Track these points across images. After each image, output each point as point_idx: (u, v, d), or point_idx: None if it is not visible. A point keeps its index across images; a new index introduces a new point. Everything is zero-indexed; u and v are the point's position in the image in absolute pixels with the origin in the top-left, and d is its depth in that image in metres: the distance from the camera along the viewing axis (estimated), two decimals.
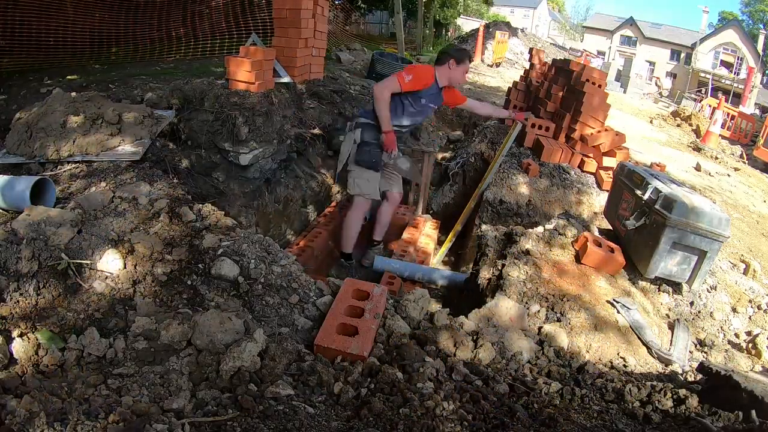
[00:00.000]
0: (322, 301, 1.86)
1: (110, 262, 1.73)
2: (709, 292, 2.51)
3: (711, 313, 2.40)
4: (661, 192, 2.27)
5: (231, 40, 5.98)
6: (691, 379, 1.81)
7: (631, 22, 36.60)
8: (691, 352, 2.12)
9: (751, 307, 2.51)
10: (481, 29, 14.85)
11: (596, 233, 2.75)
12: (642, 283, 2.45)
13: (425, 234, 3.90)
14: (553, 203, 3.90)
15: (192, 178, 3.06)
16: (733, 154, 7.92)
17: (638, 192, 2.46)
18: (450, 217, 4.48)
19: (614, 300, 2.21)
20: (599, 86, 4.21)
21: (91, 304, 1.59)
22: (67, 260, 1.65)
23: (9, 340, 1.42)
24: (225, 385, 1.27)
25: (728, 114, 10.38)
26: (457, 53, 3.18)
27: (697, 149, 7.37)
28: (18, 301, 1.53)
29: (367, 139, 3.17)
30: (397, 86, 3.01)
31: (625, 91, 15.10)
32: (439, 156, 5.34)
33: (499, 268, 2.43)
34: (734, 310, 2.46)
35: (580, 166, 4.23)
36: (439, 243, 4.19)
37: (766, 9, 36.77)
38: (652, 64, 33.10)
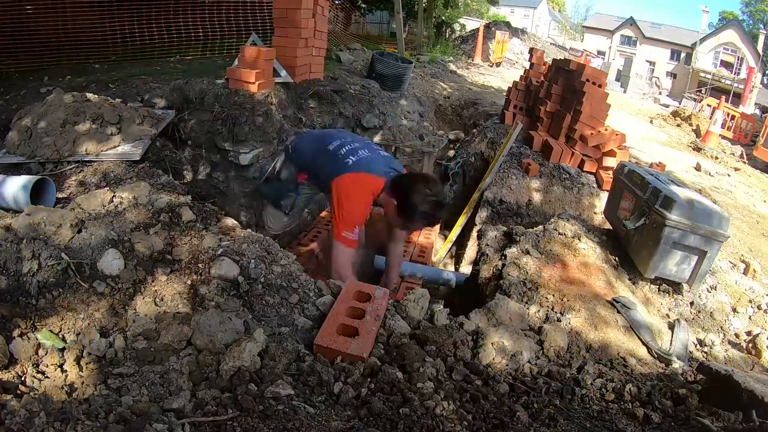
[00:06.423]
0: (321, 301, 1.86)
1: (110, 262, 1.72)
2: (709, 292, 2.51)
3: (711, 313, 2.40)
4: (661, 192, 2.27)
5: (231, 40, 5.98)
6: (691, 379, 1.81)
7: (631, 22, 36.56)
8: (691, 352, 2.11)
9: (751, 307, 2.51)
10: (481, 29, 14.90)
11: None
12: (642, 283, 2.45)
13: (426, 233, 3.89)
14: (553, 203, 3.90)
15: (192, 178, 3.06)
16: (733, 154, 7.92)
17: (638, 192, 2.46)
18: (450, 217, 4.48)
19: (614, 300, 2.22)
20: (599, 86, 4.21)
21: (91, 304, 1.59)
22: (67, 260, 1.65)
23: (9, 340, 1.41)
24: (225, 384, 1.27)
25: (728, 114, 10.37)
26: (423, 215, 2.12)
27: (697, 149, 7.37)
28: (18, 301, 1.53)
29: (285, 177, 2.54)
30: (353, 250, 2.24)
31: (625, 91, 15.11)
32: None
33: (499, 268, 2.43)
34: (734, 310, 2.46)
35: (580, 166, 4.23)
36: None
37: (766, 9, 36.79)
38: (652, 64, 33.07)
